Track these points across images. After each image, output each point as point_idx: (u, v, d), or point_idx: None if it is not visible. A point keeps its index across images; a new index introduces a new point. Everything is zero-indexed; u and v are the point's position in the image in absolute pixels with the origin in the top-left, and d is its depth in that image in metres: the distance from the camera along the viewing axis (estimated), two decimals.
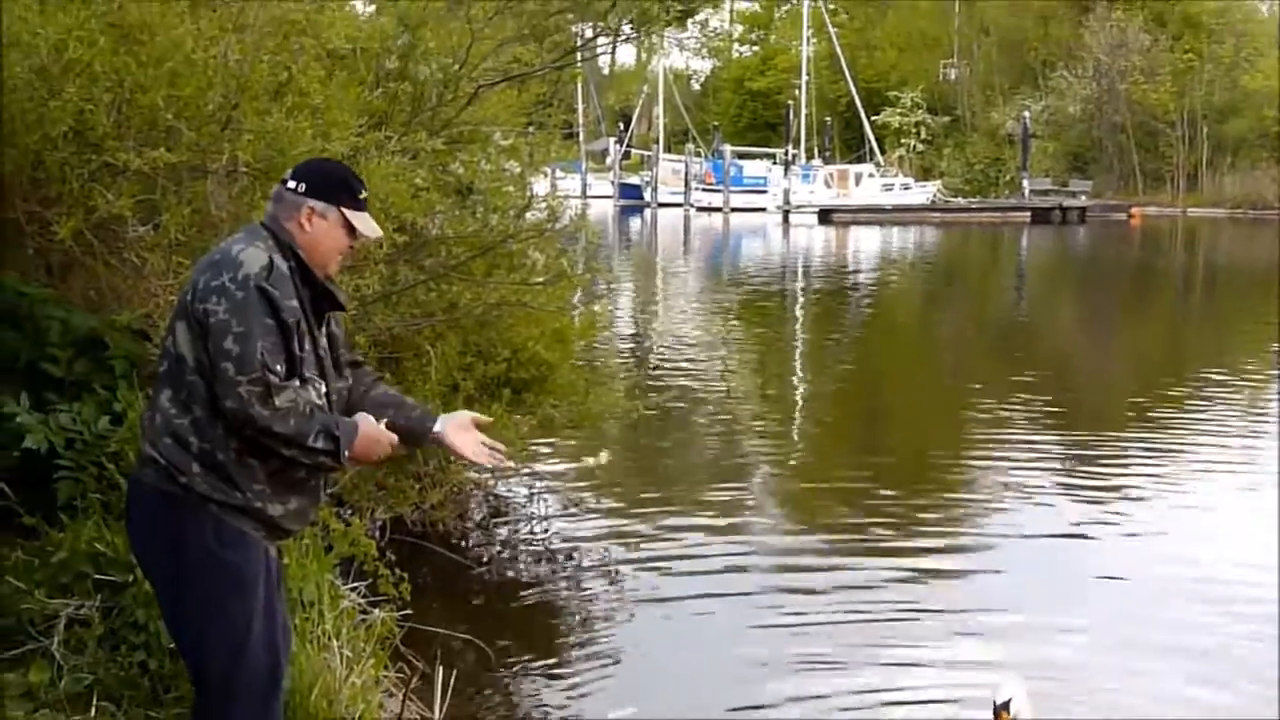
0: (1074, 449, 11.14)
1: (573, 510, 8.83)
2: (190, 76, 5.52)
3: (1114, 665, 6.30)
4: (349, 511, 6.36)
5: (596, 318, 9.62)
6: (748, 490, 9.90)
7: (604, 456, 9.81)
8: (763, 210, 57.12)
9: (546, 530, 8.47)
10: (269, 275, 3.35)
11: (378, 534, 6.55)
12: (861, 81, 64.46)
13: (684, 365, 16.34)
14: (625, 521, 8.72)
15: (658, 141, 67.76)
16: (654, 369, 15.66)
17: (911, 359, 18.59)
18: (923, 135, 67.48)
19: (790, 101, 64.87)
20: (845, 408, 14.27)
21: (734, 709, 5.80)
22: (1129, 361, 18.06)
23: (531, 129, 8.12)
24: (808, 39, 65.39)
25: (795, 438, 12.35)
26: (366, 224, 3.56)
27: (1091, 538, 8.55)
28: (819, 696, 5.91)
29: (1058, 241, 44.64)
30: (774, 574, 7.76)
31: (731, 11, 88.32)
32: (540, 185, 8.83)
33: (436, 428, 3.63)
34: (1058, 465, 10.60)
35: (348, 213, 3.52)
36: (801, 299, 26.87)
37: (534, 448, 8.22)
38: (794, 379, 16.33)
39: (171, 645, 4.15)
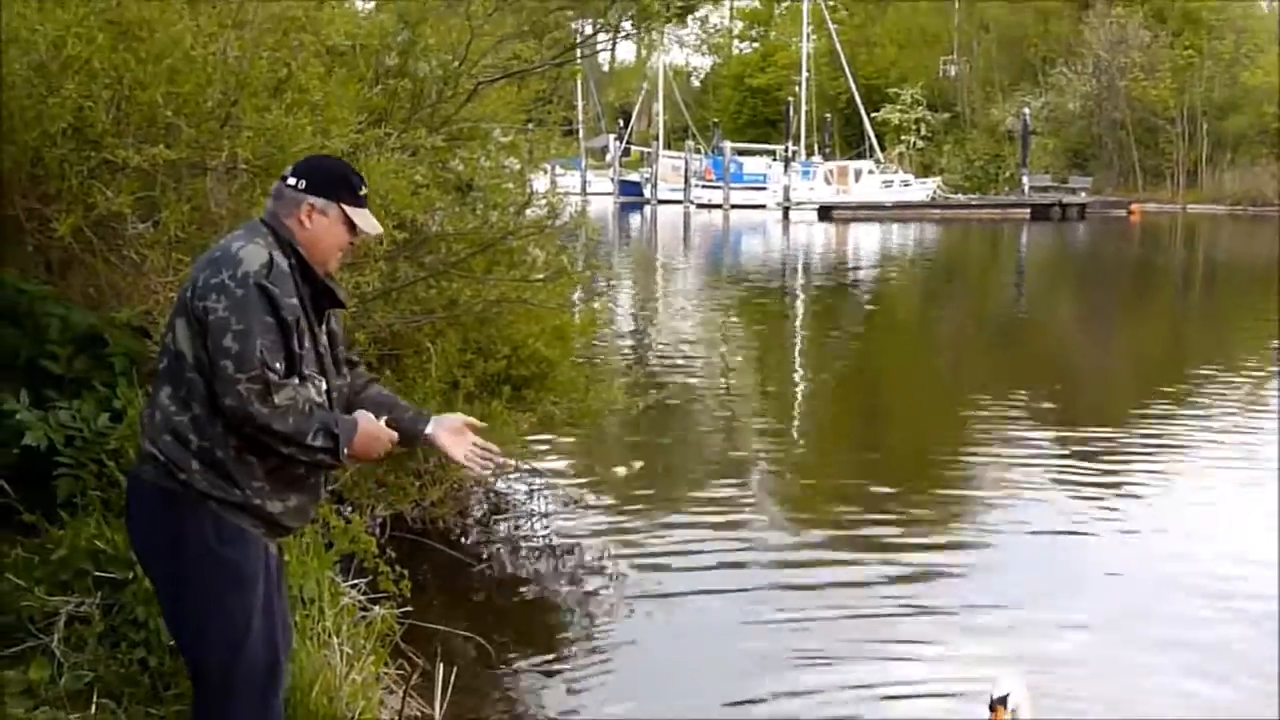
0: (1073, 445, 11.13)
1: (572, 507, 8.84)
2: (189, 73, 5.52)
3: (1114, 660, 6.30)
4: (349, 508, 6.36)
5: (596, 315, 9.63)
6: (747, 487, 9.90)
7: (636, 465, 9.86)
8: (763, 207, 57.19)
9: (546, 527, 8.47)
10: (269, 273, 3.35)
11: (378, 531, 6.55)
12: (861, 78, 64.46)
13: (683, 362, 16.35)
14: (625, 518, 8.73)
15: (657, 138, 67.78)
16: (654, 366, 15.65)
17: (911, 355, 18.59)
18: (923, 132, 67.52)
19: (790, 98, 64.85)
20: (844, 404, 14.28)
21: (733, 704, 5.80)
22: (1128, 358, 18.07)
23: (531, 126, 8.12)
24: (808, 35, 65.38)
25: (794, 434, 12.36)
26: (367, 221, 3.56)
27: (1091, 533, 8.55)
28: (817, 692, 5.91)
29: (1057, 238, 44.64)
30: (773, 570, 7.76)
31: (731, 8, 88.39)
32: (540, 182, 8.84)
33: (428, 430, 3.62)
34: (1057, 461, 10.59)
35: (348, 209, 3.52)
36: (801, 295, 26.87)
37: (534, 445, 8.23)
38: (793, 376, 16.32)
39: (171, 642, 4.15)
